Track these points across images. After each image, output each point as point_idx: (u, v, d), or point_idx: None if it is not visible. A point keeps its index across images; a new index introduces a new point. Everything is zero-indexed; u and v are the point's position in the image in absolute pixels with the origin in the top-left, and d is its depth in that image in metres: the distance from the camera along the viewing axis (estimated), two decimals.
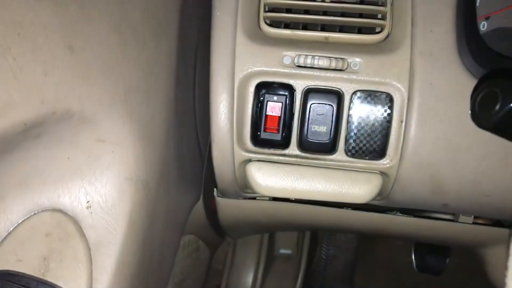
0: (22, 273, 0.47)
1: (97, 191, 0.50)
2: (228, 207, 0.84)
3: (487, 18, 0.63)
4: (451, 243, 1.08)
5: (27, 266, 0.48)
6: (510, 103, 0.43)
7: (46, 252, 0.48)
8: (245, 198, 0.80)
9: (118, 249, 0.50)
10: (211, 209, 0.86)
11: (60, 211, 0.49)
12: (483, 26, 0.63)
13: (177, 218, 0.71)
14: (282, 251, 1.49)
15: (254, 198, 0.81)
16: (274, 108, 0.64)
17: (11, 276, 0.47)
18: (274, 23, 0.65)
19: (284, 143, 0.65)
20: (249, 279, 1.40)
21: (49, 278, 0.48)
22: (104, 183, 0.50)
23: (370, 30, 0.64)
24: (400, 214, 0.81)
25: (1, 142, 0.41)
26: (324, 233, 1.62)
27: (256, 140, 0.65)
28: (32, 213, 0.49)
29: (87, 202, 0.50)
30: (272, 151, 0.66)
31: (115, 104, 0.50)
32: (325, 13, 0.65)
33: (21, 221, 0.49)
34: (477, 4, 0.62)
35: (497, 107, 0.44)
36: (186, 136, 0.68)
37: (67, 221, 0.49)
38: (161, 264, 0.65)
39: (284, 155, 0.66)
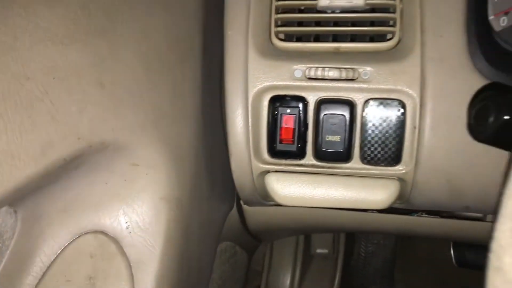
0: None
1: (134, 211, 0.54)
2: (255, 215, 0.87)
3: (506, 13, 0.62)
4: (484, 242, 1.06)
5: (75, 286, 0.52)
6: (503, 116, 0.43)
7: (91, 271, 0.52)
8: (270, 205, 0.82)
9: (158, 266, 0.54)
10: (244, 216, 0.89)
11: (102, 232, 0.53)
12: (503, 22, 0.62)
13: (212, 229, 0.74)
14: (319, 250, 1.50)
15: (279, 205, 0.83)
16: (288, 120, 0.65)
17: None
18: (286, 37, 0.67)
19: (300, 154, 0.67)
20: (287, 280, 1.42)
21: None
22: (141, 204, 0.54)
23: (381, 38, 0.65)
24: (426, 215, 0.81)
25: (45, 177, 0.45)
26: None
27: (273, 152, 0.67)
28: (77, 236, 0.53)
29: (126, 223, 0.54)
30: (289, 161, 0.68)
31: (145, 131, 0.53)
32: (336, 24, 0.66)
33: (67, 243, 0.53)
34: None
35: (491, 120, 0.44)
36: (216, 149, 0.71)
37: (109, 241, 0.53)
38: (199, 273, 0.68)
39: (301, 165, 0.67)
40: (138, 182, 0.54)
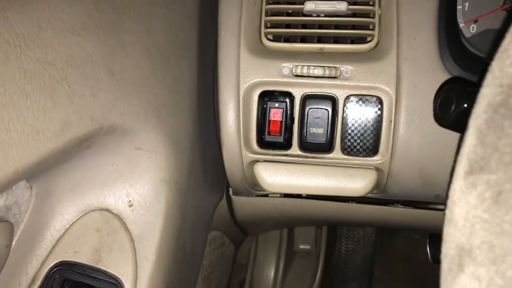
0: (79, 262, 0.58)
1: (137, 192, 0.59)
2: (243, 205, 0.92)
3: (475, 21, 0.69)
4: None
5: (82, 257, 0.58)
6: (463, 105, 0.50)
7: (97, 245, 0.58)
8: (258, 196, 0.88)
9: (157, 241, 0.59)
10: (233, 207, 0.95)
11: (107, 210, 0.59)
12: (472, 29, 0.69)
13: (204, 215, 0.80)
14: (302, 246, 1.56)
15: (266, 196, 0.89)
16: (276, 113, 0.71)
17: (71, 265, 0.58)
18: (274, 38, 0.73)
19: (286, 145, 0.73)
20: (271, 274, 1.47)
21: (101, 266, 0.58)
22: (143, 185, 0.60)
23: (361, 40, 0.71)
24: (401, 206, 0.87)
25: (61, 155, 0.50)
26: (342, 229, 1.68)
27: (262, 142, 0.73)
28: (84, 213, 0.59)
29: (129, 202, 0.59)
30: (276, 152, 0.73)
31: (149, 117, 0.59)
32: (320, 26, 0.72)
33: (75, 219, 0.59)
34: (466, 8, 0.68)
35: (452, 108, 0.51)
36: (208, 141, 0.77)
37: (114, 218, 0.59)
38: (193, 255, 0.74)
39: (287, 155, 0.73)
40: (141, 165, 0.59)
